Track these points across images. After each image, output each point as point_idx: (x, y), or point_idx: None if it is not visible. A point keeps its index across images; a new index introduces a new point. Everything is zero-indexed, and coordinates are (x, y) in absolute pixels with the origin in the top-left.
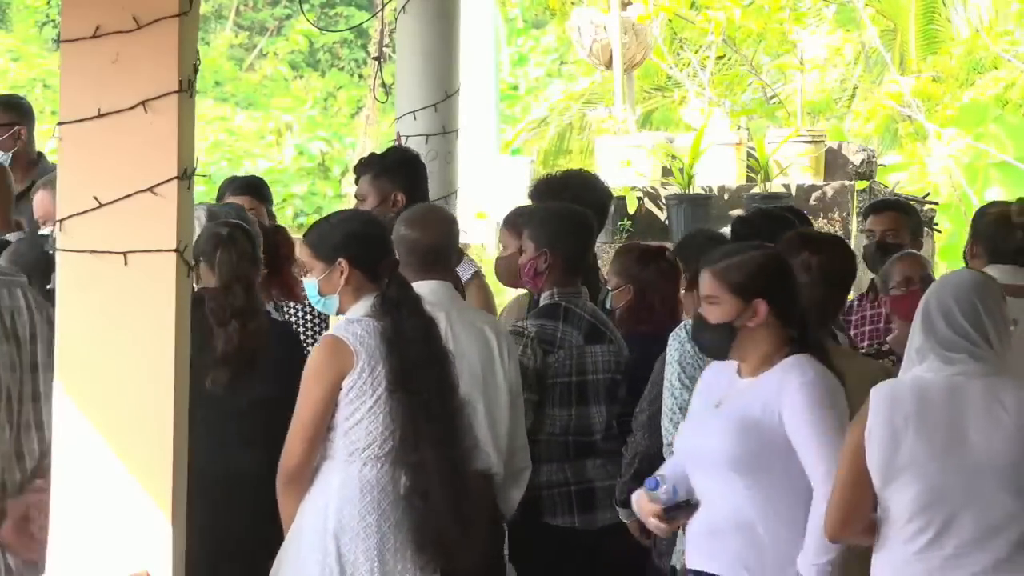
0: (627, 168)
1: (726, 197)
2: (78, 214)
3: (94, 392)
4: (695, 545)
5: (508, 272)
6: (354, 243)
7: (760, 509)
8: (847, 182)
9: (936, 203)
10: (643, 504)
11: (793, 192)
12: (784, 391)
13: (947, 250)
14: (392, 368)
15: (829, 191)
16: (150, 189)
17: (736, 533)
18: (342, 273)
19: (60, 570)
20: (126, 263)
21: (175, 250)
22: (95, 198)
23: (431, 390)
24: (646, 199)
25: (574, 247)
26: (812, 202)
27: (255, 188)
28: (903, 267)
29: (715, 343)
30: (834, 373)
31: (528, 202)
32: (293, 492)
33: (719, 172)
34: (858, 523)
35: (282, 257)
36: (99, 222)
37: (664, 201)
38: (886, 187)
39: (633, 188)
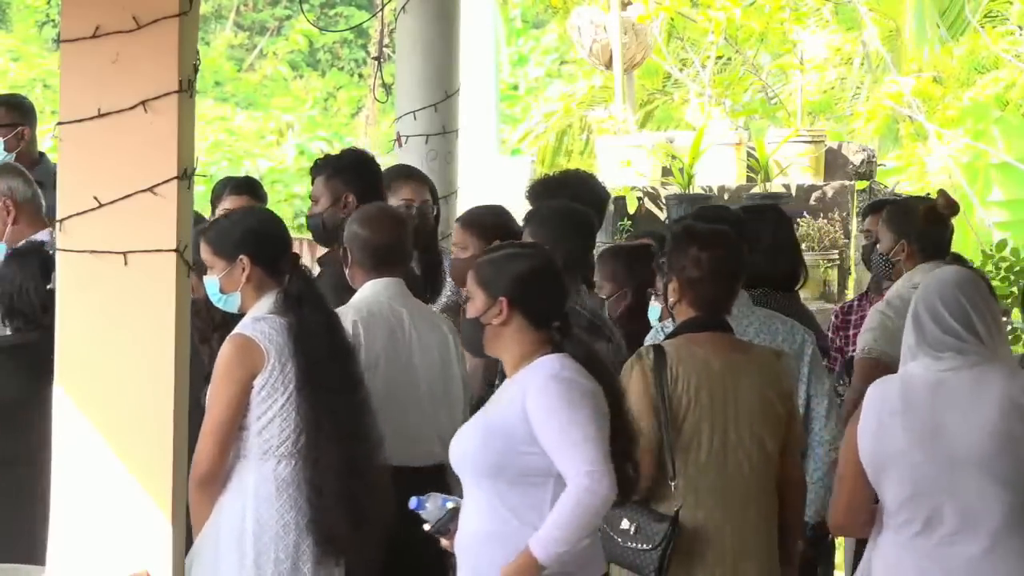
0: (627, 168)
1: (726, 197)
2: (78, 214)
3: (94, 392)
4: (460, 558)
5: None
6: (254, 240)
7: (510, 516)
8: (847, 182)
9: None
10: (426, 526)
11: (793, 192)
12: (529, 389)
13: None
14: (299, 365)
15: (829, 191)
16: (150, 189)
17: (489, 543)
18: (243, 270)
19: (60, 570)
20: (126, 263)
21: (175, 250)
22: (95, 198)
23: (335, 385)
24: (646, 199)
25: (575, 246)
26: (812, 202)
27: (251, 188)
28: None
29: (470, 339)
30: (600, 376)
31: (524, 202)
32: (206, 494)
33: (719, 172)
34: (859, 515)
35: None
36: (99, 222)
37: (664, 201)
38: (886, 187)
39: (633, 188)
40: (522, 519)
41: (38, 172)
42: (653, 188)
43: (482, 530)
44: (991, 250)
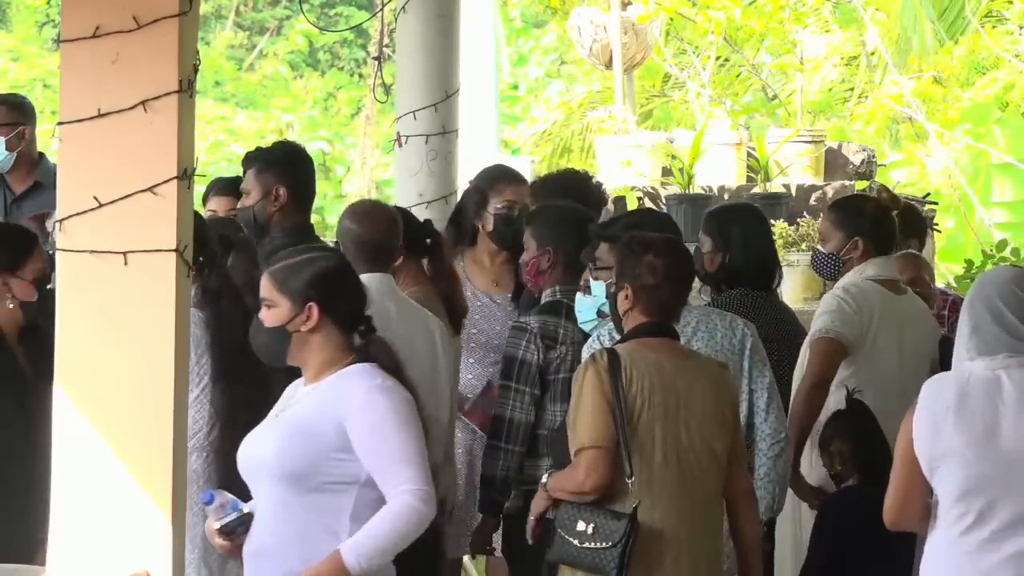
0: (627, 168)
1: (726, 197)
2: (78, 214)
3: (94, 392)
4: (247, 567)
5: None
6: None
7: (308, 522)
8: (847, 182)
9: (936, 203)
10: (209, 521)
11: (793, 192)
12: (350, 400)
13: (947, 250)
14: (214, 357)
15: (829, 191)
16: (150, 189)
17: (286, 549)
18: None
19: (60, 570)
20: (126, 263)
21: (175, 250)
22: (95, 198)
23: (251, 379)
24: (646, 199)
25: (577, 245)
26: (812, 202)
27: (236, 189)
28: (899, 266)
29: (269, 348)
30: (403, 385)
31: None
32: None
33: (719, 172)
34: (914, 510)
35: None
36: (99, 222)
37: (664, 201)
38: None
39: (633, 188)
40: (321, 526)
41: (38, 172)
42: (653, 188)
43: (278, 536)
44: (991, 250)
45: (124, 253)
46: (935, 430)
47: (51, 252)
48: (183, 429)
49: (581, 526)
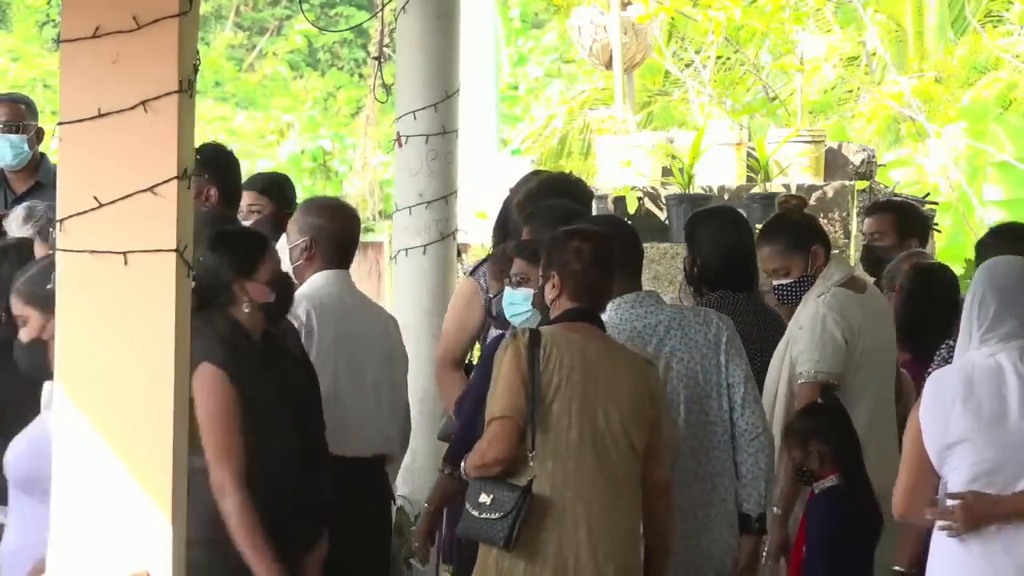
0: (627, 168)
1: (726, 197)
2: (78, 214)
3: (94, 392)
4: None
5: None
6: None
7: (27, 532)
8: (847, 182)
9: (936, 203)
10: None
11: (793, 192)
12: None
13: (947, 250)
14: None
15: (829, 191)
16: (150, 189)
17: (12, 559)
18: None
19: (60, 570)
20: (126, 263)
21: (175, 250)
22: (95, 198)
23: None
24: (646, 199)
25: None
26: (812, 202)
27: (253, 183)
28: (903, 266)
29: (31, 362)
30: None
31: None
32: None
33: (719, 172)
34: (923, 502)
35: None
36: (99, 222)
37: (664, 201)
38: (886, 187)
39: (633, 188)
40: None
41: (40, 172)
42: (653, 188)
43: (9, 545)
44: None
45: (124, 253)
46: (943, 420)
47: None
48: (183, 429)
49: (483, 498)
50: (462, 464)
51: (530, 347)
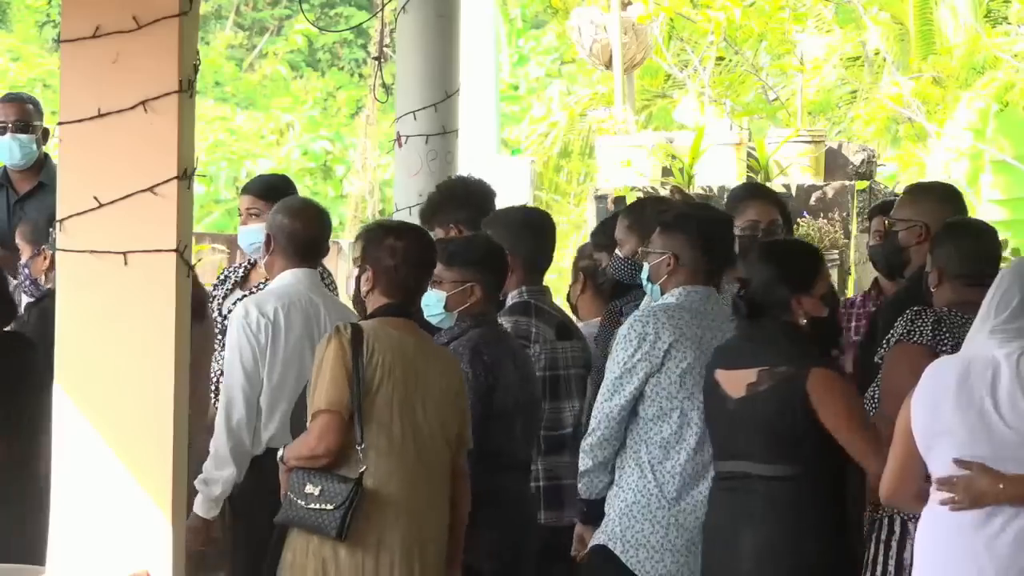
0: (627, 168)
1: (726, 197)
2: (78, 214)
3: (94, 392)
4: None
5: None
6: None
7: None
8: (847, 182)
9: None
10: None
11: (793, 192)
12: None
13: None
14: None
15: (829, 191)
16: (150, 189)
17: None
18: None
19: (60, 570)
20: (126, 263)
21: (175, 250)
22: (95, 198)
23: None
24: None
25: (535, 248)
26: (812, 202)
27: (250, 187)
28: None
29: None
30: None
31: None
32: None
33: (719, 172)
34: (910, 488)
35: None
36: (99, 222)
37: None
38: (886, 187)
39: (633, 188)
40: None
41: (43, 174)
42: (653, 188)
43: None
44: None
45: (124, 253)
46: (934, 410)
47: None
48: (183, 429)
49: (309, 488)
50: (279, 453)
51: (353, 342)
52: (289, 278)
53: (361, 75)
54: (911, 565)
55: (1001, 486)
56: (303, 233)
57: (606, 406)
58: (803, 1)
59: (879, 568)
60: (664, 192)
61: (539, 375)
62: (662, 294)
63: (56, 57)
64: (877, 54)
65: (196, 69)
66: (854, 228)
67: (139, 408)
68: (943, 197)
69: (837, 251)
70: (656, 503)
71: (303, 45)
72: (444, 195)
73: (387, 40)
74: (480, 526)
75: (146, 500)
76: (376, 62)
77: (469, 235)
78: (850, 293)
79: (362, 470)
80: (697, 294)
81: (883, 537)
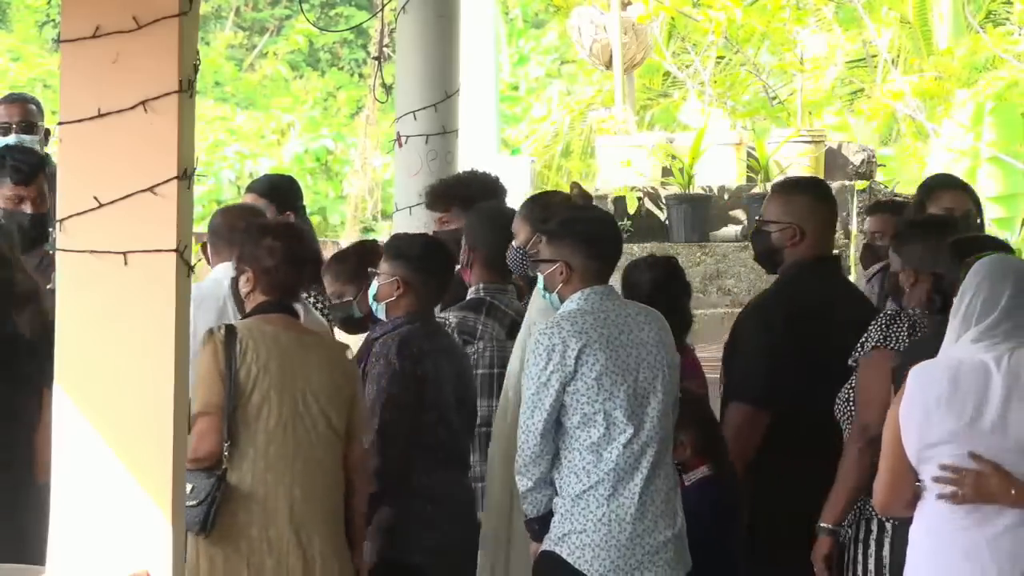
0: (627, 168)
1: (726, 197)
2: (78, 214)
3: (94, 392)
4: None
5: None
6: None
7: None
8: (847, 182)
9: None
10: None
11: None
12: None
13: None
14: None
15: None
16: (150, 189)
17: None
18: None
19: (60, 570)
20: (126, 263)
21: (175, 250)
22: (95, 198)
23: None
24: (646, 199)
25: (497, 245)
26: None
27: (253, 186)
28: None
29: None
30: None
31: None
32: None
33: (719, 172)
34: (904, 496)
35: None
36: (99, 222)
37: (664, 201)
38: (886, 187)
39: (633, 188)
40: None
41: (44, 173)
42: (653, 188)
43: None
44: None
45: (124, 253)
46: (925, 420)
47: (51, 252)
48: (183, 429)
49: (188, 487)
50: None
51: (226, 343)
52: (222, 272)
53: (361, 75)
54: (890, 564)
55: (1013, 492)
56: (228, 231)
57: (529, 424)
58: (804, 0)
59: (859, 568)
60: (663, 193)
61: (485, 372)
62: (562, 301)
63: (56, 57)
64: (875, 56)
65: (196, 69)
66: (854, 228)
67: (139, 408)
68: (817, 196)
69: (837, 251)
70: (595, 503)
71: (303, 45)
72: (457, 186)
73: (387, 40)
74: (418, 522)
75: (146, 500)
76: (376, 62)
77: (419, 232)
78: None
79: (224, 467)
80: (596, 295)
81: (861, 536)
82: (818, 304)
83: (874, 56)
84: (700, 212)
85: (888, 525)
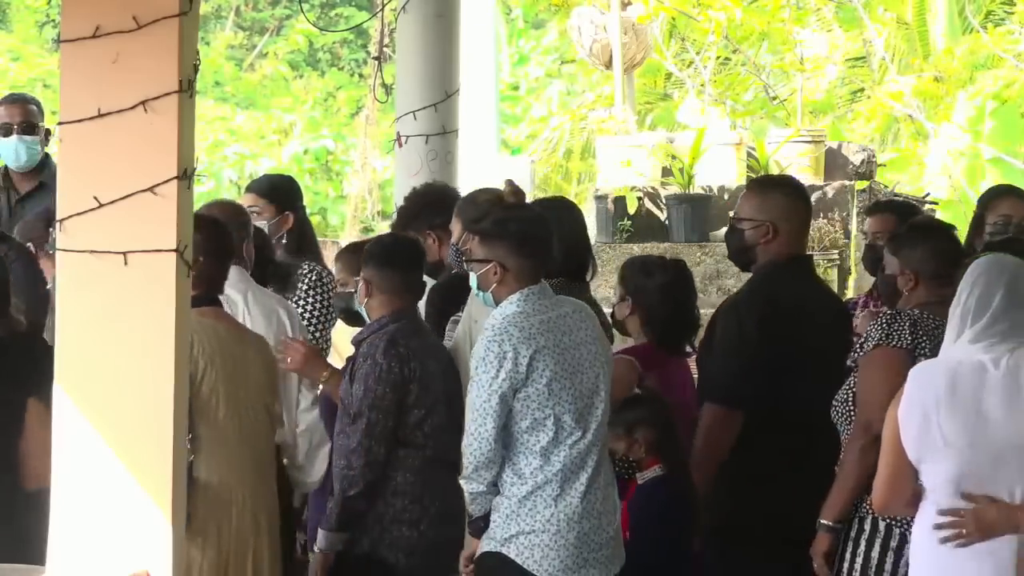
0: (627, 168)
1: (726, 197)
2: (78, 214)
3: (94, 392)
4: None
5: None
6: None
7: None
8: (847, 182)
9: (936, 203)
10: None
11: None
12: None
13: None
14: None
15: (829, 191)
16: (150, 189)
17: None
18: None
19: (60, 570)
20: (126, 263)
21: (175, 250)
22: (95, 198)
23: None
24: (646, 199)
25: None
26: (812, 202)
27: (252, 186)
28: None
29: None
30: None
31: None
32: None
33: (719, 172)
34: (903, 496)
35: None
36: (99, 222)
37: (664, 201)
38: (886, 187)
39: (633, 188)
40: None
41: (44, 174)
42: (653, 188)
43: None
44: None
45: (124, 253)
46: (924, 422)
47: (51, 252)
48: (183, 429)
49: None
50: None
51: None
52: None
53: (361, 75)
54: (877, 564)
55: (1017, 516)
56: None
57: (481, 431)
58: (804, 0)
59: (846, 565)
60: (663, 193)
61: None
62: (496, 300)
63: (56, 57)
64: (874, 55)
65: (196, 69)
66: (854, 228)
67: (139, 408)
68: (788, 195)
69: (837, 251)
70: (543, 503)
71: (303, 45)
72: (419, 202)
73: (387, 40)
74: (399, 521)
75: (146, 500)
76: (376, 62)
77: (383, 234)
78: (850, 293)
79: (191, 459)
80: (534, 295)
81: (852, 535)
82: (792, 304)
83: (874, 55)
84: (700, 212)
85: (881, 524)
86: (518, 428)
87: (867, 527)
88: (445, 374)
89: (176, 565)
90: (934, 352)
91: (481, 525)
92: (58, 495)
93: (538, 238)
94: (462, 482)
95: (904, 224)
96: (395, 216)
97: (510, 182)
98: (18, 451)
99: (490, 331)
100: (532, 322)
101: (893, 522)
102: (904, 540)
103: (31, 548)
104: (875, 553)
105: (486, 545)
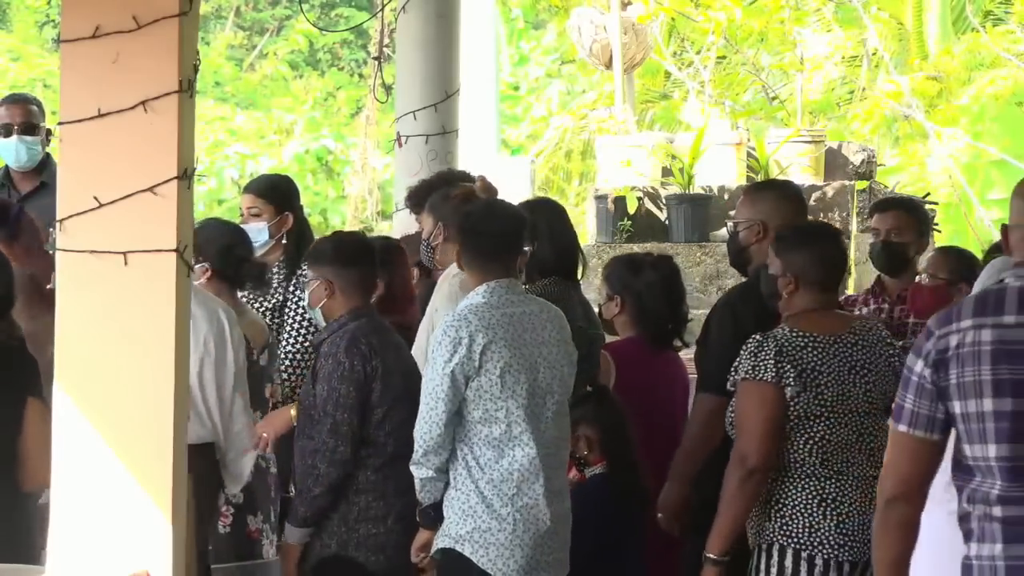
0: (627, 168)
1: (726, 197)
2: (78, 214)
3: (94, 392)
4: None
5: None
6: None
7: None
8: (847, 182)
9: (936, 203)
10: None
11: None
12: None
13: None
14: None
15: (829, 191)
16: (150, 189)
17: None
18: None
19: (60, 570)
20: (126, 263)
21: (175, 250)
22: (95, 198)
23: None
24: (646, 199)
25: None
26: (812, 202)
27: (251, 186)
28: (933, 260)
29: None
30: None
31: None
32: None
33: (719, 172)
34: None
35: None
36: (99, 222)
37: (664, 201)
38: (886, 187)
39: (633, 188)
40: None
41: (45, 174)
42: (653, 188)
43: None
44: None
45: (124, 253)
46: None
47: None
48: (183, 429)
49: None
50: None
51: None
52: None
53: (361, 75)
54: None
55: None
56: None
57: (432, 414)
58: (804, 1)
59: None
60: (663, 193)
61: None
62: (464, 292)
63: (56, 57)
64: (875, 53)
65: (196, 69)
66: (854, 228)
67: (139, 408)
68: (780, 195)
69: None
70: (499, 502)
71: (303, 45)
72: (428, 188)
73: (387, 40)
74: (365, 519)
75: (146, 500)
76: (376, 62)
77: (329, 235)
78: (850, 291)
79: None
80: (501, 288)
81: (762, 564)
82: None
83: (875, 53)
84: (700, 212)
85: (788, 551)
86: (471, 417)
87: (775, 553)
88: (406, 371)
89: (176, 565)
90: (799, 379)
91: (431, 513)
92: (58, 495)
93: (510, 233)
94: (412, 468)
95: (913, 219)
96: (406, 201)
97: (482, 178)
98: (18, 452)
99: (450, 318)
100: (494, 314)
101: (800, 547)
102: (812, 564)
103: (31, 548)
104: None
105: (441, 541)
